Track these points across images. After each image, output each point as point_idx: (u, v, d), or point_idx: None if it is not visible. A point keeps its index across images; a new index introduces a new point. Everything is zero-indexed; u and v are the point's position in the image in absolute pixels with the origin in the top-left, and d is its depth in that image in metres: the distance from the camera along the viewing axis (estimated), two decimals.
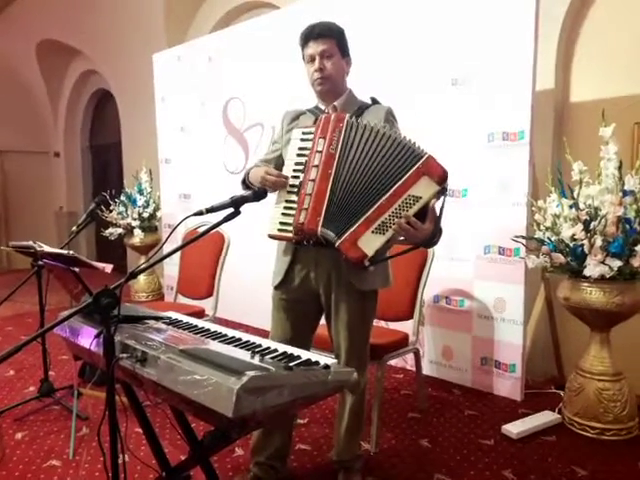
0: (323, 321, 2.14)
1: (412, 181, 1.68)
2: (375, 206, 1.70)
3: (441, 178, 1.68)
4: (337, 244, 1.73)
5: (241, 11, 5.37)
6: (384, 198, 1.70)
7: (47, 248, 2.57)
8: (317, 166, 1.78)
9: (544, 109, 3.18)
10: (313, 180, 1.78)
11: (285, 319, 2.03)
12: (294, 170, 1.85)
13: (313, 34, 1.92)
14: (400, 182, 1.69)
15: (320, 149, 1.79)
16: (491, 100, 2.99)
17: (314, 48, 1.91)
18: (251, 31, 4.36)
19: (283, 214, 1.83)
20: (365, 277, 1.89)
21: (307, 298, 2.01)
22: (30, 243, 2.65)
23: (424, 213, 1.71)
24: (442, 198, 1.72)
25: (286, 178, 1.84)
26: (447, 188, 1.72)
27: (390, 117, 1.96)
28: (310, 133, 1.84)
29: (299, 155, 1.85)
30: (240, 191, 1.82)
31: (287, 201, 1.83)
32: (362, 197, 1.74)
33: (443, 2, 3.16)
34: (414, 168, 1.68)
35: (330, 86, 1.95)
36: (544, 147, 3.23)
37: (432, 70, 3.23)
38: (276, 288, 2.04)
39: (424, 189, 1.68)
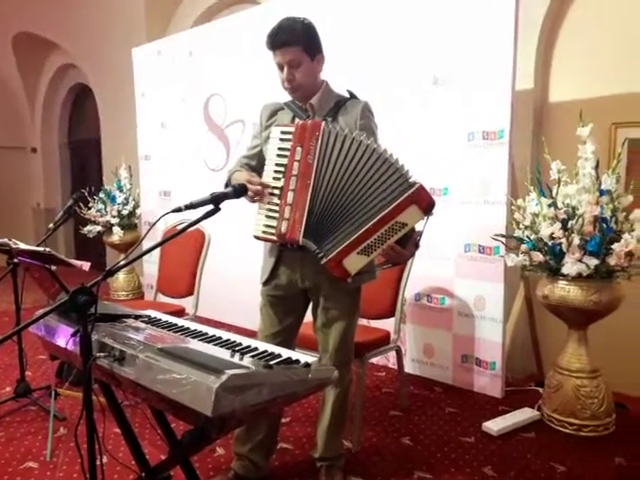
0: (307, 319, 2.14)
1: (401, 208, 1.70)
2: (363, 229, 1.73)
3: (429, 207, 1.71)
4: (323, 262, 1.77)
5: (222, 6, 5.33)
6: (372, 223, 1.72)
7: (23, 245, 2.52)
8: (296, 176, 1.79)
9: (523, 109, 3.22)
10: (293, 190, 1.80)
11: (273, 314, 2.06)
12: (275, 171, 1.85)
13: (277, 42, 1.86)
14: (389, 208, 1.71)
15: (298, 158, 1.79)
16: (471, 99, 3.01)
17: (280, 57, 1.88)
18: (232, 27, 4.32)
19: (267, 217, 1.84)
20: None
21: (294, 294, 2.03)
22: (5, 240, 2.59)
23: (407, 237, 1.76)
24: (426, 220, 1.75)
25: (266, 187, 1.83)
26: (433, 214, 1.75)
27: (367, 112, 1.95)
28: (289, 133, 1.83)
29: (279, 156, 1.85)
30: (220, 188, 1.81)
31: (270, 203, 1.84)
32: (346, 212, 1.76)
33: (425, 1, 3.17)
34: (404, 196, 1.70)
35: (302, 92, 1.94)
36: (523, 146, 3.26)
37: (413, 69, 3.23)
38: (264, 284, 2.07)
39: (411, 217, 1.71)
